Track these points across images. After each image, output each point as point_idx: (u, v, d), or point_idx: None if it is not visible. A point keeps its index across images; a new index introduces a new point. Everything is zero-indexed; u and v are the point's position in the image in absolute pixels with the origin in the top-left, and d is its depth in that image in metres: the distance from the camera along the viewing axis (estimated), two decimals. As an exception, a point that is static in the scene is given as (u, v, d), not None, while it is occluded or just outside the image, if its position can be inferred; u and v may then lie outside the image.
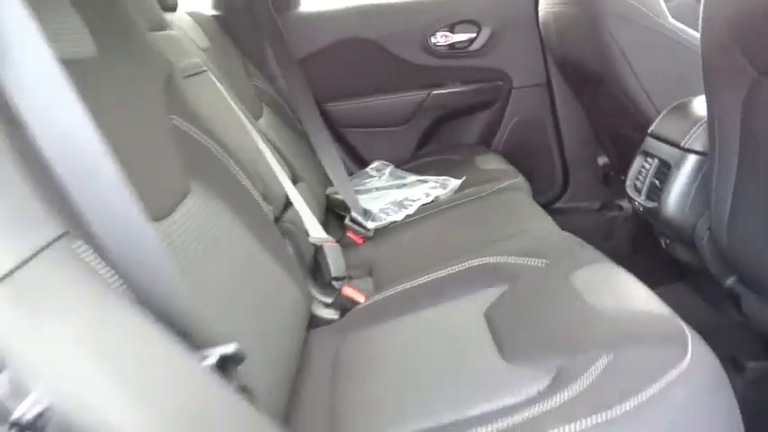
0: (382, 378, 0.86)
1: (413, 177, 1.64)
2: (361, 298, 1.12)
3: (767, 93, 0.88)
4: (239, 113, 1.25)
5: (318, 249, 1.22)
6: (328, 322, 1.11)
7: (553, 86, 1.97)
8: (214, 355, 0.54)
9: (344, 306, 1.13)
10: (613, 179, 1.94)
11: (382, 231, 1.43)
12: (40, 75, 0.46)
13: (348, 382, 0.89)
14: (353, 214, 1.43)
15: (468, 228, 1.31)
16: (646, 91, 1.41)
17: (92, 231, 0.49)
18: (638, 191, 1.25)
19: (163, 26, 1.17)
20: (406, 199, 1.47)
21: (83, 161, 0.48)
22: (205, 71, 1.21)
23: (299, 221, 1.24)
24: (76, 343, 0.42)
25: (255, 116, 1.48)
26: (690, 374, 0.66)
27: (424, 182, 1.56)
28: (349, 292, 1.13)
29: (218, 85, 1.24)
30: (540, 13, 1.82)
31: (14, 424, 0.41)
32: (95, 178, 0.49)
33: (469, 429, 0.69)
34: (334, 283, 1.18)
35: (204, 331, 0.56)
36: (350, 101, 1.96)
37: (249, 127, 1.26)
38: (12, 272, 0.39)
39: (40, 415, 0.41)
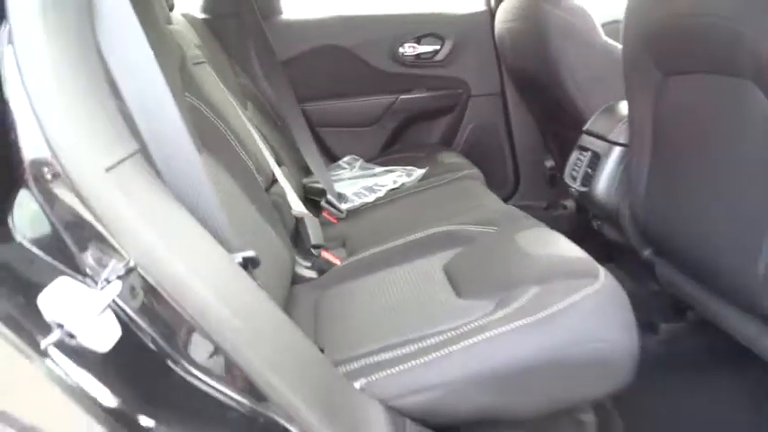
0: (357, 318, 1.03)
1: (381, 169, 1.83)
2: (337, 261, 1.30)
3: (671, 91, 1.10)
4: (233, 101, 1.42)
5: (300, 221, 1.39)
6: (308, 281, 1.28)
7: (507, 96, 2.18)
8: (238, 257, 0.71)
9: (322, 268, 1.30)
10: (558, 181, 2.15)
11: (354, 212, 1.60)
12: (127, 36, 0.63)
13: (328, 323, 1.06)
14: (329, 197, 1.60)
15: (430, 207, 1.49)
16: (584, 96, 1.64)
17: (152, 156, 0.66)
18: (575, 179, 1.47)
19: (170, 21, 1.34)
20: (376, 184, 1.65)
21: (151, 103, 0.65)
22: (205, 62, 1.38)
23: (283, 196, 1.41)
24: (153, 224, 0.59)
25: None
26: (599, 294, 0.86)
27: (392, 171, 1.74)
28: (327, 255, 1.31)
29: (215, 76, 1.41)
30: (497, 29, 2.04)
31: (105, 280, 0.58)
32: (159, 116, 0.66)
33: (429, 339, 0.87)
34: (313, 250, 1.35)
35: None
36: (324, 102, 2.13)
37: (240, 113, 1.43)
38: (117, 164, 0.56)
39: (128, 271, 0.57)
